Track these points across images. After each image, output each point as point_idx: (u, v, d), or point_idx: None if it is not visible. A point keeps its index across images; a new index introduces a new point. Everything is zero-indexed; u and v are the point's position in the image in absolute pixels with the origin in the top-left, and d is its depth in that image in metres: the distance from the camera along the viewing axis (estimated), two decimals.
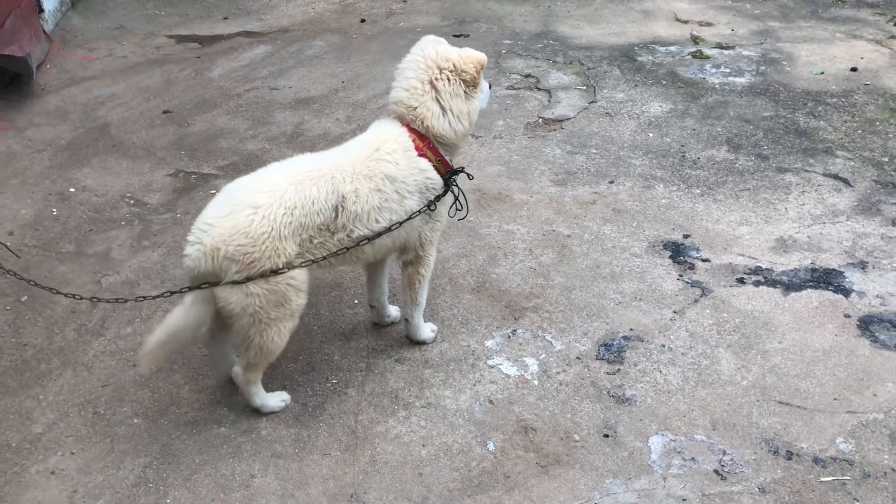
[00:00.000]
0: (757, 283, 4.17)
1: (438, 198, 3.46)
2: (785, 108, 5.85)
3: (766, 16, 7.60)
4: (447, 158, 3.48)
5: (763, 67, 6.46)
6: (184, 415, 3.44)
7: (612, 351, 3.77)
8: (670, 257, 4.37)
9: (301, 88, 6.24)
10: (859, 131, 5.51)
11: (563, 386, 3.59)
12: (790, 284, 4.15)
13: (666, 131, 5.59)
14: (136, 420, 3.41)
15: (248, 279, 3.08)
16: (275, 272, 3.11)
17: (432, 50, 3.42)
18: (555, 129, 5.63)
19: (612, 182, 5.01)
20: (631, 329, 3.89)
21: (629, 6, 7.90)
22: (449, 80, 3.38)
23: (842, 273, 4.22)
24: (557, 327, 3.91)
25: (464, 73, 3.38)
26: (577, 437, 3.34)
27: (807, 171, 5.09)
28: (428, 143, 3.41)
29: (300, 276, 3.20)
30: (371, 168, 3.30)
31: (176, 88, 6.27)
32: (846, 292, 4.09)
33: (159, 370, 3.64)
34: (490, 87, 3.67)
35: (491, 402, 3.52)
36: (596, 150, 5.37)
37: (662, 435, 3.35)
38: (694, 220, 4.66)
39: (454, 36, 7.14)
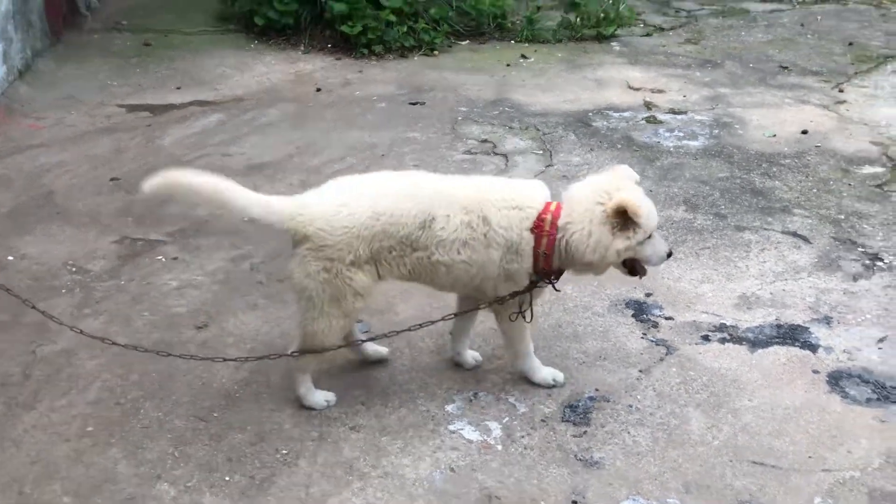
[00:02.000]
0: (723, 341, 4.07)
1: (516, 295, 3.41)
2: (740, 168, 5.89)
3: (716, 83, 7.75)
4: (557, 264, 3.36)
5: (716, 131, 6.54)
6: (120, 491, 3.17)
7: (577, 412, 3.61)
8: (633, 316, 4.26)
9: (254, 155, 6.13)
10: (814, 190, 5.55)
11: (528, 450, 3.41)
12: (756, 341, 4.06)
13: None
14: (66, 499, 3.13)
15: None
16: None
17: (605, 181, 3.34)
18: None
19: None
20: (596, 389, 3.74)
21: (582, 75, 8.00)
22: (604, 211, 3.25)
23: (807, 329, 4.14)
24: (520, 388, 3.74)
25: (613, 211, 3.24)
26: None
27: (765, 229, 5.08)
28: (553, 236, 3.30)
29: (361, 280, 3.27)
30: (474, 203, 3.29)
31: (125, 156, 6.11)
32: (813, 348, 4.01)
33: (94, 444, 3.38)
34: (668, 255, 3.44)
35: (452, 469, 3.31)
36: None
37: (633, 499, 3.17)
38: (655, 278, 4.57)
39: (410, 104, 7.14)
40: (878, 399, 3.67)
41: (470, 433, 3.49)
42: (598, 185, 3.33)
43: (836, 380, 3.79)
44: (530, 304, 3.50)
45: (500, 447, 3.42)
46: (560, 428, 3.52)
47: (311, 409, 3.56)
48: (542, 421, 3.56)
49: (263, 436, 3.48)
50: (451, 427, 3.52)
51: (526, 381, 3.78)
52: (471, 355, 3.88)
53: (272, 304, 4.37)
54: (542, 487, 3.23)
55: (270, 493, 3.19)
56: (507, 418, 3.57)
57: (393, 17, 8.20)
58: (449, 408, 3.63)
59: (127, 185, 5.64)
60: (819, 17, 9.52)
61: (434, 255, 3.29)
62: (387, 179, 3.46)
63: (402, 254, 3.29)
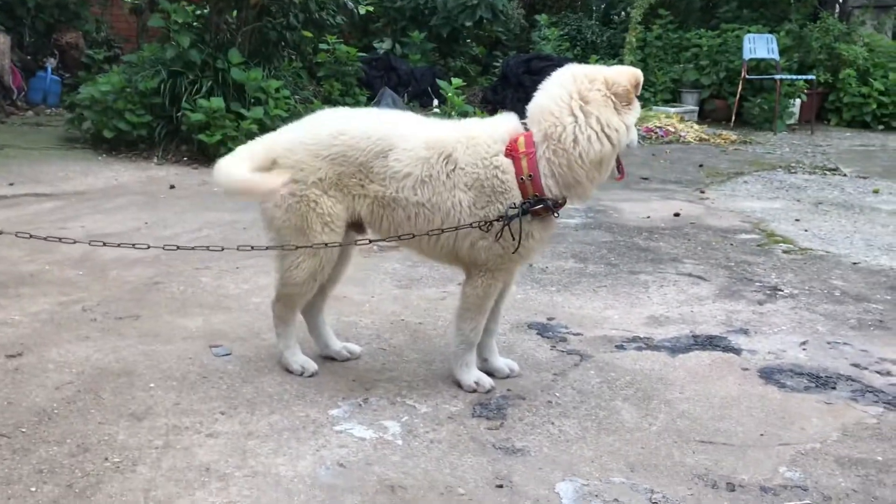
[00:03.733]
0: (639, 349, 3.63)
1: (502, 220, 2.87)
2: (622, 235, 5.72)
3: None
4: (556, 189, 2.89)
5: (591, 214, 6.42)
6: None
7: (489, 409, 3.00)
8: (538, 333, 3.78)
9: (95, 228, 5.40)
10: (699, 248, 5.41)
11: (435, 444, 2.74)
12: (675, 348, 3.64)
13: None
14: None
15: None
16: None
17: (579, 69, 2.99)
18: (391, 252, 5.09)
19: (460, 284, 4.45)
20: (509, 390, 3.16)
21: None
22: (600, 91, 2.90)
23: (725, 338, 3.78)
24: (420, 393, 3.11)
25: (615, 86, 2.90)
26: (461, 491, 2.47)
27: (659, 272, 4.81)
28: (532, 154, 2.86)
29: (326, 206, 2.98)
30: (437, 140, 2.95)
31: None
32: (736, 351, 3.63)
33: None
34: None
35: (341, 465, 2.59)
36: (439, 265, 4.85)
37: (571, 480, 2.55)
38: (555, 308, 4.14)
39: None
40: (816, 387, 3.29)
41: (362, 432, 2.80)
42: (566, 82, 2.94)
43: (768, 374, 3.40)
44: (520, 227, 2.89)
45: (400, 442, 2.74)
46: (471, 423, 2.89)
47: (286, 369, 3.24)
48: (450, 418, 2.92)
49: (88, 447, 2.65)
50: (338, 428, 2.82)
51: (429, 384, 3.17)
52: (504, 362, 3.30)
53: (108, 336, 3.59)
54: (456, 475, 2.55)
55: (94, 499, 2.35)
56: (406, 418, 2.91)
57: (255, 128, 7.89)
58: (333, 412, 2.94)
59: None
60: (668, 151, 10.02)
61: (388, 189, 2.96)
62: (368, 111, 3.28)
63: (361, 183, 2.99)
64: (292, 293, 3.14)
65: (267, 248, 3.11)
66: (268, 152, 3.05)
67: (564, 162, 2.88)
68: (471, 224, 2.91)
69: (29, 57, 11.20)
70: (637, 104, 2.99)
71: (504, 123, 3.01)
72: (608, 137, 2.88)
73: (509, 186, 2.89)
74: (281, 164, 3.01)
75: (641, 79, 2.97)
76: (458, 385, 3.15)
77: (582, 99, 2.89)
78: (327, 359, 3.40)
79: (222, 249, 3.17)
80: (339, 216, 3.00)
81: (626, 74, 2.94)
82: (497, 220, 2.88)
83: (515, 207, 2.87)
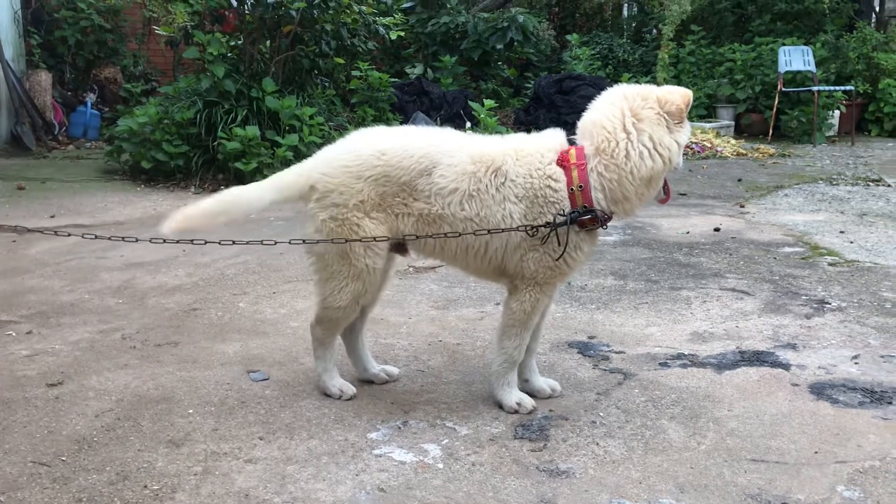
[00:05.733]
0: (684, 366, 3.53)
1: (550, 226, 2.84)
2: (661, 251, 5.62)
3: None
4: (604, 203, 2.87)
5: (630, 231, 6.33)
6: None
7: (531, 430, 2.93)
8: (579, 352, 3.70)
9: (134, 256, 5.45)
10: (741, 263, 5.29)
11: (477, 466, 2.67)
12: (721, 364, 3.54)
13: None
14: None
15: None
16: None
17: (630, 88, 2.99)
18: (427, 272, 5.07)
19: (498, 304, 4.40)
20: (551, 410, 3.09)
21: None
22: (653, 109, 2.89)
23: (773, 353, 3.67)
24: (460, 415, 3.05)
25: (668, 105, 2.89)
26: None
27: (702, 288, 4.71)
28: (583, 165, 2.85)
29: (369, 229, 2.93)
30: (483, 154, 2.92)
31: None
32: (785, 367, 3.52)
33: None
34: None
35: (382, 489, 2.54)
36: (475, 284, 4.81)
37: (619, 502, 2.46)
38: (595, 326, 4.06)
39: None
40: (871, 402, 3.17)
41: (402, 455, 2.74)
42: (618, 100, 2.93)
43: (819, 390, 3.28)
44: (567, 236, 2.87)
45: (441, 465, 2.68)
46: (513, 445, 2.82)
47: (324, 393, 3.21)
48: (491, 440, 2.86)
49: (127, 475, 2.62)
50: (377, 451, 2.77)
51: (469, 406, 3.11)
52: (546, 382, 3.24)
53: (147, 363, 3.59)
54: (500, 499, 2.48)
55: None
56: (446, 440, 2.85)
57: (290, 155, 7.95)
58: (372, 435, 2.89)
59: None
60: (705, 167, 9.89)
61: (434, 206, 2.92)
62: (410, 129, 3.15)
63: (405, 202, 2.95)
64: (335, 317, 3.11)
65: (317, 241, 3.01)
66: (305, 178, 3.02)
67: (615, 177, 2.85)
68: (517, 227, 2.87)
69: (69, 93, 11.45)
70: (688, 124, 2.95)
71: (553, 137, 2.99)
72: (660, 155, 2.86)
73: (561, 196, 2.87)
74: (319, 190, 2.98)
75: (692, 99, 2.95)
76: (499, 406, 3.09)
77: (635, 116, 2.87)
78: (365, 382, 3.36)
79: (275, 243, 3.27)
80: (381, 237, 2.97)
81: (679, 94, 2.93)
82: (544, 226, 2.85)
83: (563, 215, 2.84)
